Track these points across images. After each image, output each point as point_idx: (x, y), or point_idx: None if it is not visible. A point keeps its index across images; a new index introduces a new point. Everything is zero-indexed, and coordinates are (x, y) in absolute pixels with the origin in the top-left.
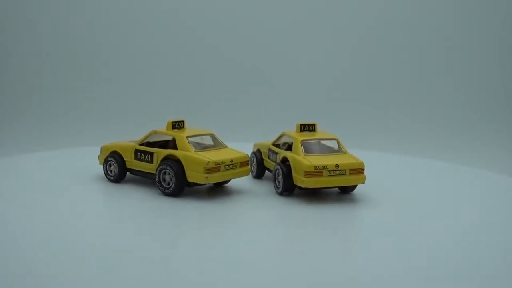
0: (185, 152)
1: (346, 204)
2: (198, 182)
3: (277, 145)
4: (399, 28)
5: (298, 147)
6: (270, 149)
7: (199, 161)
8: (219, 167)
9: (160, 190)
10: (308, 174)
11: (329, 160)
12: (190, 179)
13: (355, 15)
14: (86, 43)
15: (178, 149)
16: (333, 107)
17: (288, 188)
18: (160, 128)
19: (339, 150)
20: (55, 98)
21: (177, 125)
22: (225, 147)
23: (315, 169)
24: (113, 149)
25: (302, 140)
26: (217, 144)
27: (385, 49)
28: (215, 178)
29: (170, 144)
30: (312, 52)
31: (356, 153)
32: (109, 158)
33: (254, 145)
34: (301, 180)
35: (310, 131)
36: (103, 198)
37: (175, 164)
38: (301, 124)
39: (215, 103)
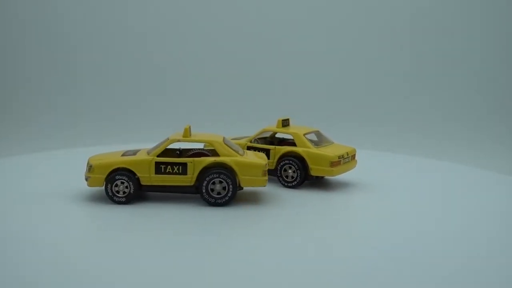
0: (234, 158)
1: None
2: (257, 186)
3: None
4: (397, 26)
5: (304, 141)
6: (252, 147)
7: (257, 165)
8: (267, 169)
9: (209, 201)
10: (334, 163)
11: (338, 150)
12: (245, 185)
13: (352, 13)
14: (86, 44)
15: (220, 155)
16: (323, 106)
17: (303, 180)
18: (173, 134)
19: (327, 140)
20: (55, 98)
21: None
22: (244, 149)
23: (338, 158)
24: (117, 166)
25: (304, 134)
26: (236, 146)
27: (383, 47)
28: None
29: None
30: (310, 51)
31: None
32: (117, 177)
33: None
34: (327, 171)
35: (286, 126)
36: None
37: (229, 171)
38: (282, 120)
39: (204, 103)
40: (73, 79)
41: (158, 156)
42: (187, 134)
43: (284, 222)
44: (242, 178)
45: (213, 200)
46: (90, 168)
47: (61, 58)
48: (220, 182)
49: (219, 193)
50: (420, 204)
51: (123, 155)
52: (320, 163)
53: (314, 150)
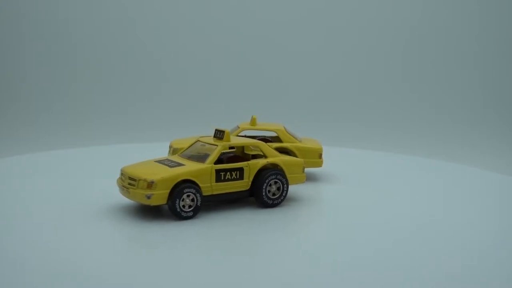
0: (281, 158)
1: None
2: (299, 183)
3: None
4: (397, 26)
5: (288, 136)
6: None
7: (299, 162)
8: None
9: (268, 203)
10: (321, 155)
11: (315, 142)
12: (290, 183)
13: (352, 13)
14: (86, 45)
15: (268, 156)
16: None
17: None
18: (206, 138)
19: (295, 135)
20: (55, 98)
21: (219, 134)
22: None
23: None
24: (182, 178)
25: (285, 130)
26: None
27: (383, 47)
28: None
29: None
30: (310, 52)
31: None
32: (186, 190)
33: (178, 143)
34: (317, 162)
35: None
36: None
37: (282, 172)
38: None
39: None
40: (73, 80)
41: (215, 163)
42: (228, 138)
43: (287, 221)
44: (289, 176)
45: (271, 202)
46: (150, 184)
47: (61, 58)
48: (275, 182)
49: (273, 194)
50: (420, 204)
51: (167, 165)
52: (309, 155)
53: (301, 144)
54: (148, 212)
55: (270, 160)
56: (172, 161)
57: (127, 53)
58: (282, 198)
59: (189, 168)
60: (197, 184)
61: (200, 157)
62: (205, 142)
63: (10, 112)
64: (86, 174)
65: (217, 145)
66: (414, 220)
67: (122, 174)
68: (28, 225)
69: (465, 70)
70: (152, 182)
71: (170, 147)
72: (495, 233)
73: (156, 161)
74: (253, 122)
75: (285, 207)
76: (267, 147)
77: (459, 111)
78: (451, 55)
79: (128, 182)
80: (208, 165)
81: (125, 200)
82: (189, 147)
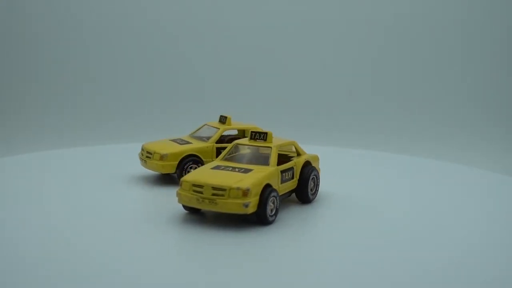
0: (308, 154)
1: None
2: None
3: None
4: (396, 26)
5: (269, 134)
6: (217, 147)
7: (317, 157)
8: None
9: (310, 199)
10: None
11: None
12: None
13: (347, 15)
14: (86, 44)
15: (301, 154)
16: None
17: None
18: (243, 140)
19: None
20: (55, 98)
21: (260, 136)
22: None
23: None
24: (265, 182)
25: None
26: None
27: (381, 48)
28: None
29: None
30: (310, 51)
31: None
32: (272, 194)
33: (161, 147)
34: None
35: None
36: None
37: (315, 168)
38: (221, 116)
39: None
40: (74, 80)
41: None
42: (271, 139)
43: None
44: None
45: (311, 198)
46: (246, 192)
47: (62, 58)
48: (312, 179)
49: (311, 190)
50: (420, 204)
51: (234, 171)
52: None
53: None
54: (149, 211)
55: (305, 157)
56: (231, 166)
57: (127, 53)
58: (316, 193)
59: (264, 172)
60: (273, 187)
61: (257, 160)
62: (249, 145)
63: (10, 112)
64: (87, 174)
65: (271, 147)
66: (414, 220)
67: (194, 185)
68: (28, 225)
69: (465, 70)
70: (248, 189)
71: (153, 153)
72: (495, 233)
73: (214, 168)
74: (228, 122)
75: (287, 208)
76: (298, 146)
77: (459, 111)
78: (452, 55)
79: (212, 192)
80: (274, 167)
81: (124, 200)
82: (228, 150)
